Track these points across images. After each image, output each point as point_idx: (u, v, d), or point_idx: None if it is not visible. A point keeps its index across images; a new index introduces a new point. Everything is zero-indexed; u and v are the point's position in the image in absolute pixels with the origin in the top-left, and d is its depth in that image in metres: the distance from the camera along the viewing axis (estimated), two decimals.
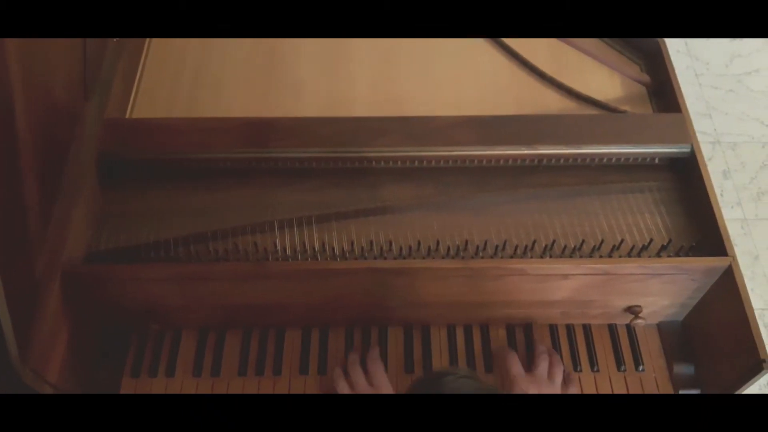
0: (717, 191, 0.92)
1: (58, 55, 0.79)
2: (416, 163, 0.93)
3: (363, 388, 0.86)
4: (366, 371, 0.88)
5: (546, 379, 0.88)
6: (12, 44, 0.63)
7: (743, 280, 0.82)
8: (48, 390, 0.77)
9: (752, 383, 0.82)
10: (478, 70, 1.08)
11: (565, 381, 0.89)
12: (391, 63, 1.09)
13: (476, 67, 1.09)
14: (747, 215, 1.80)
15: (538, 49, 1.10)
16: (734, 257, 0.83)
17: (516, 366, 0.88)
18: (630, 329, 0.95)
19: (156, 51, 1.09)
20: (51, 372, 0.78)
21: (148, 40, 1.09)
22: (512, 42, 1.10)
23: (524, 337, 0.94)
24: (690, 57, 2.11)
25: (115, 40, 1.00)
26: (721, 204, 0.88)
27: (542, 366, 0.88)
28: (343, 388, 0.86)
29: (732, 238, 0.85)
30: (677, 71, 1.04)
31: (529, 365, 0.90)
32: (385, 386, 0.86)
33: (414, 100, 1.04)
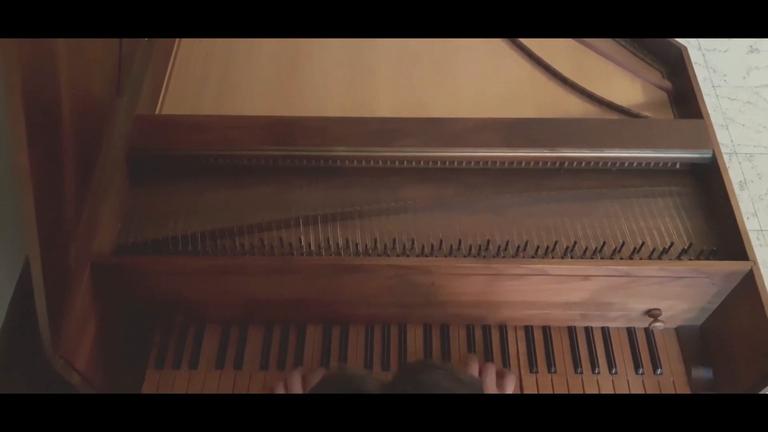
0: None
1: (97, 53, 0.81)
2: (439, 164, 0.94)
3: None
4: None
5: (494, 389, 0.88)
6: (62, 43, 0.65)
7: (764, 285, 0.82)
8: (76, 378, 0.79)
9: None
10: (500, 75, 1.10)
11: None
12: (413, 67, 1.10)
13: (498, 71, 1.10)
14: (763, 226, 1.80)
15: (560, 54, 1.11)
16: (755, 261, 0.83)
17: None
18: (648, 333, 0.95)
19: (184, 51, 1.11)
20: (79, 360, 0.79)
21: (177, 40, 1.12)
22: (534, 47, 1.12)
23: (543, 337, 0.95)
24: (707, 69, 2.11)
25: (146, 39, 1.02)
26: None
27: (490, 376, 0.88)
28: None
29: None
30: None
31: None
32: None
33: (436, 104, 1.05)
